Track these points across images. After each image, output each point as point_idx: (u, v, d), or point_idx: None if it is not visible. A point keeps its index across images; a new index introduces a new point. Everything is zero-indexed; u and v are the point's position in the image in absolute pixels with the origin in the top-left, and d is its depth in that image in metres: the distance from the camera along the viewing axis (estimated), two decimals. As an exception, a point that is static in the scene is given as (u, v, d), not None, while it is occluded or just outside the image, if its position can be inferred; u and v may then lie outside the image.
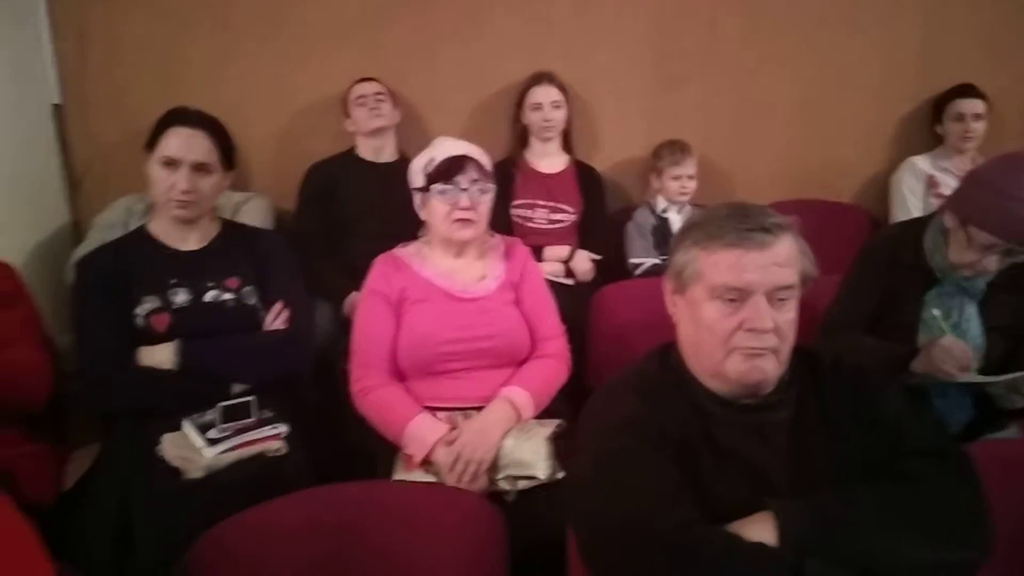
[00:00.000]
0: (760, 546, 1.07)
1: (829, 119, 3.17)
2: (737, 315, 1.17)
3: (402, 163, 2.78)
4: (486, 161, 1.96)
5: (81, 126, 2.88)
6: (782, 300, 1.18)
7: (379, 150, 2.85)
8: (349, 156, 2.88)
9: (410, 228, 2.14)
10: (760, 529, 1.09)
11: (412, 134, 2.93)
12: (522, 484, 1.72)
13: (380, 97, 2.80)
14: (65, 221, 2.92)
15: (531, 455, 1.73)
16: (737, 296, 1.18)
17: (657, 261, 2.77)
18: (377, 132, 2.80)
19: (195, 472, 1.62)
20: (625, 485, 1.13)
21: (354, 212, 2.77)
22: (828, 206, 3.13)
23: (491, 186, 1.94)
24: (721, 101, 3.13)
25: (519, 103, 2.92)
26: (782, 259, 1.18)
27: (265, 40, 2.90)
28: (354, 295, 2.45)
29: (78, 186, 2.92)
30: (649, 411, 1.20)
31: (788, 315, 1.19)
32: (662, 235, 2.83)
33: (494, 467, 1.74)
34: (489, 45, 3.00)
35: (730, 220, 1.19)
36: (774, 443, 1.20)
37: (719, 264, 1.18)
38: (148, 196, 2.63)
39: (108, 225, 2.62)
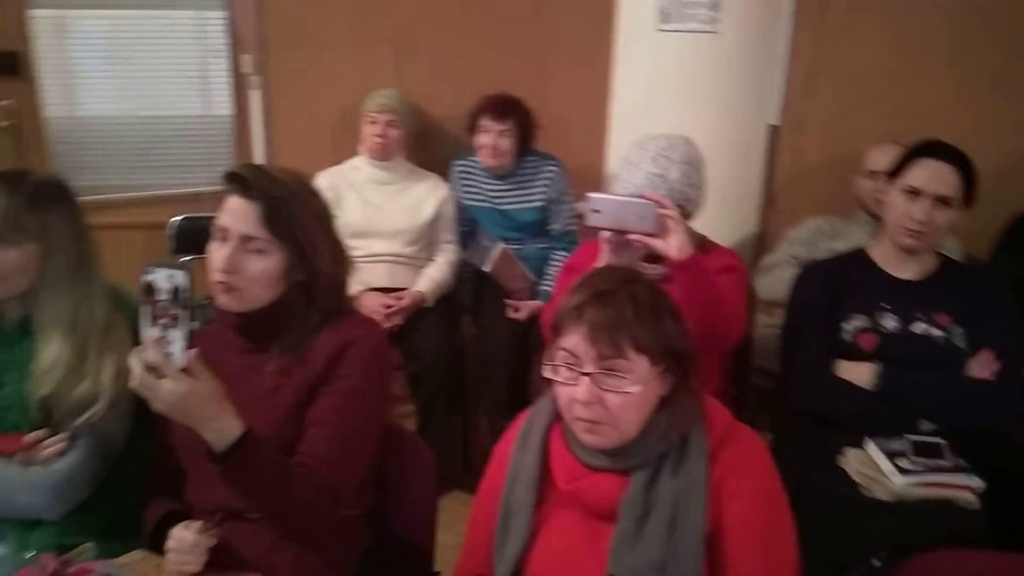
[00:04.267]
0: None
1: None
2: None
3: None
4: None
5: (791, 146, 3.12)
6: None
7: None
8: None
9: None
10: None
11: None
12: None
13: None
14: (753, 232, 3.22)
15: None
16: None
17: None
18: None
19: (880, 494, 1.65)
20: None
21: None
22: None
23: None
24: None
25: None
26: None
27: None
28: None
29: (773, 201, 3.19)
30: None
31: None
32: None
33: None
34: None
35: None
36: None
37: None
38: (837, 219, 2.78)
39: (796, 241, 2.81)
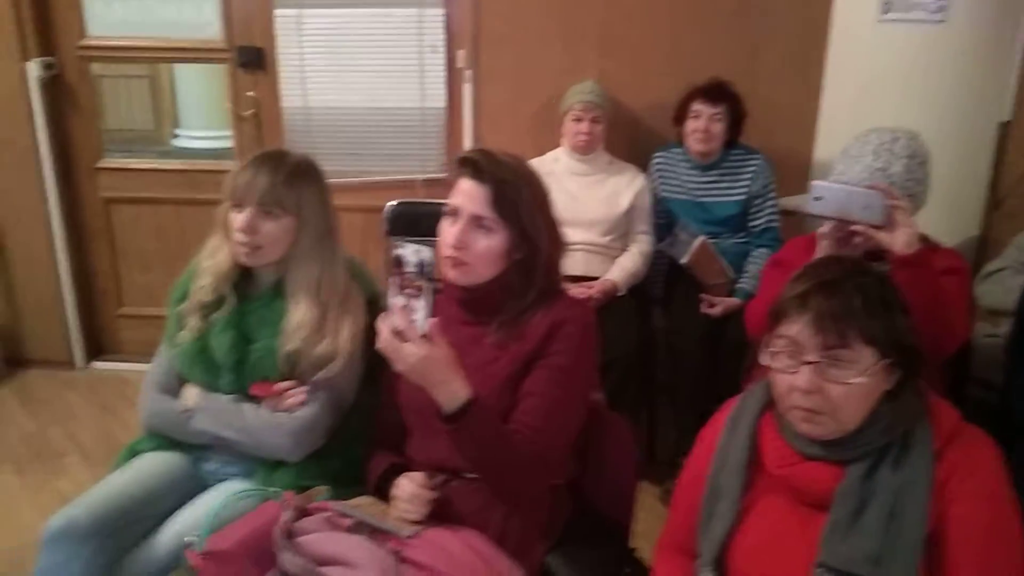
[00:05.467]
0: None
1: None
2: None
3: None
4: None
5: (1022, 146, 2.88)
6: None
7: None
8: None
9: None
10: None
11: None
12: None
13: None
14: (975, 234, 3.00)
15: None
16: None
17: None
18: None
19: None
20: None
21: None
22: None
23: None
24: None
25: None
26: None
27: None
28: None
29: (1000, 204, 2.96)
30: None
31: None
32: None
33: None
34: None
35: None
36: None
37: None
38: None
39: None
